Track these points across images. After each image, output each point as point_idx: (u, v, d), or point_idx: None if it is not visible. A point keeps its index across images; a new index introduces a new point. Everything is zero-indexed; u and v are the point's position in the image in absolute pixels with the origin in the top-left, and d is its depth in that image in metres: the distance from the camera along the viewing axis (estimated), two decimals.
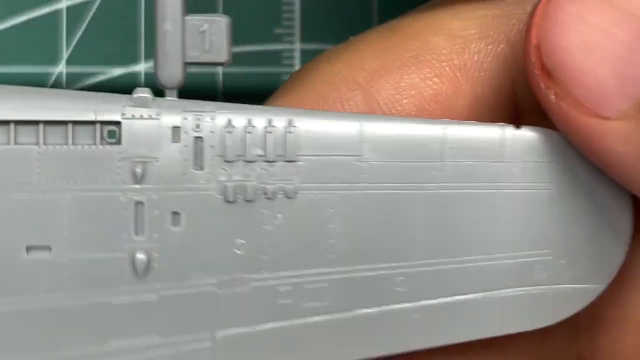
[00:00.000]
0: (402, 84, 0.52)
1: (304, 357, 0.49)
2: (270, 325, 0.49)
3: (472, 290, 0.50)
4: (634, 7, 0.46)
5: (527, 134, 0.50)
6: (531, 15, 0.48)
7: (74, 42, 0.68)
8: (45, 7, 0.66)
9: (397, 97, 0.52)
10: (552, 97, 0.47)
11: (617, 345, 0.54)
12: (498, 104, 0.53)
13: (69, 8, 0.67)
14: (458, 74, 0.52)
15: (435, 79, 0.52)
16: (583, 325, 0.54)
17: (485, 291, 0.50)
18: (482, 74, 0.52)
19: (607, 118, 0.46)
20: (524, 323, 0.50)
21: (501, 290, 0.50)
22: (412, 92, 0.52)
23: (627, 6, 0.46)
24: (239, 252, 0.48)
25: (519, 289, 0.50)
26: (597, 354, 0.54)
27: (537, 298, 0.50)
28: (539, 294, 0.50)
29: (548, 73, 0.47)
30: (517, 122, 0.51)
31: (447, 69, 0.52)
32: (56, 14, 0.66)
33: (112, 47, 0.62)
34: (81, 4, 0.69)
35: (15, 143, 0.47)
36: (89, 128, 0.48)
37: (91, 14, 0.68)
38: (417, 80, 0.52)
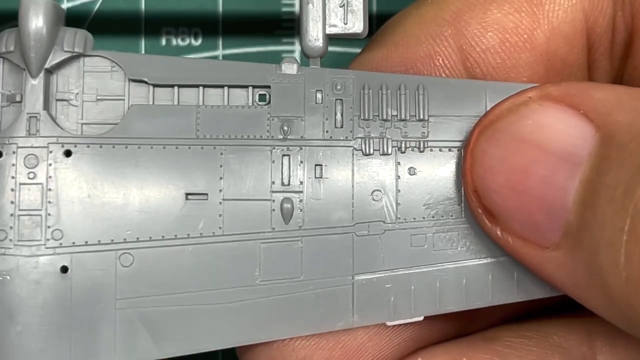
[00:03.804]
0: (486, 20, 0.56)
1: (435, 302, 0.53)
2: (405, 271, 0.53)
3: None
4: (546, 141, 0.49)
5: None
6: (463, 160, 0.52)
7: None
8: None
9: (482, 31, 0.56)
10: (498, 232, 0.51)
11: None
12: (573, 35, 0.56)
13: (69, 10, 0.69)
14: (535, 9, 0.56)
15: (515, 14, 0.56)
16: None
17: None
18: (557, 7, 0.56)
19: (545, 248, 0.49)
20: None
21: None
22: (495, 26, 0.56)
23: (540, 141, 0.49)
24: (375, 201, 0.53)
25: None
26: None
27: None
28: None
29: (489, 213, 0.51)
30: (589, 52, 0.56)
31: (525, 4, 0.56)
32: None
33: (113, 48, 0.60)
34: (81, 4, 0.70)
35: (179, 103, 0.54)
36: (243, 91, 0.54)
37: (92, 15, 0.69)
38: (499, 15, 0.56)
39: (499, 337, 0.57)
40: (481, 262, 0.53)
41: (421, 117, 0.54)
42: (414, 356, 0.56)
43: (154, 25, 0.68)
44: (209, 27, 0.68)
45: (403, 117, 0.54)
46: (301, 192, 0.53)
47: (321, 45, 0.54)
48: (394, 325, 0.53)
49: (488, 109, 0.52)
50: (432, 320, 0.54)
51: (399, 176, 0.53)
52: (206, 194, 0.53)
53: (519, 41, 0.56)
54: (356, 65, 0.57)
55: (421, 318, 0.53)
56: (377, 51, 0.57)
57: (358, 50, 0.60)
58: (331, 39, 0.54)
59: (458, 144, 0.53)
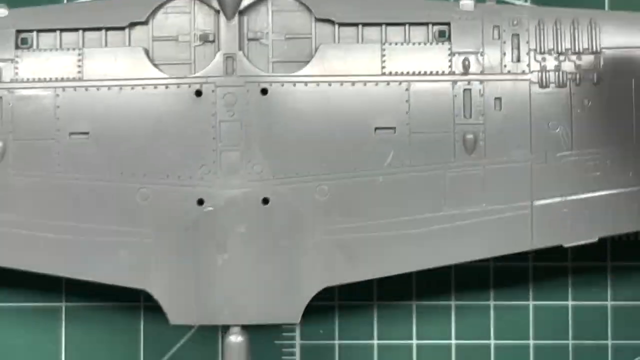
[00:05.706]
0: None
1: (609, 224, 0.56)
2: (581, 196, 0.56)
3: None
4: None
5: None
6: None
7: None
8: None
9: None
10: None
11: None
12: None
13: None
14: None
15: None
16: None
17: None
18: None
19: None
20: None
21: None
22: None
23: None
24: (552, 131, 0.56)
25: None
26: None
27: None
28: None
29: None
30: None
31: None
32: None
33: None
34: None
35: (363, 41, 0.56)
36: (422, 28, 0.57)
37: None
38: None
39: None
40: None
41: (595, 49, 0.56)
42: None
43: None
44: None
45: (577, 50, 0.56)
46: (482, 124, 0.56)
47: None
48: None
49: None
50: None
51: (573, 107, 0.56)
52: (394, 128, 0.56)
53: None
54: None
55: (596, 239, 0.57)
56: None
57: None
58: None
59: (633, 75, 0.56)
